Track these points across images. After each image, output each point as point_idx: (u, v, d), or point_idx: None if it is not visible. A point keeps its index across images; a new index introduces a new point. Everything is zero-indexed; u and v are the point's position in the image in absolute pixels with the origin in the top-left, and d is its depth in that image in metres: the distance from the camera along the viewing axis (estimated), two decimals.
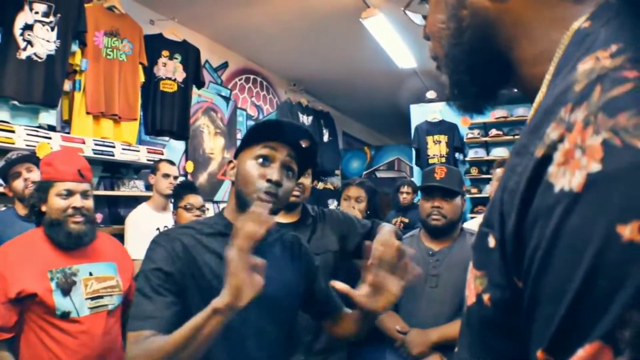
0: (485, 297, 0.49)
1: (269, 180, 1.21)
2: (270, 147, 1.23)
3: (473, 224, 2.95)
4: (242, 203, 1.23)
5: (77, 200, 1.89)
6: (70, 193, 1.89)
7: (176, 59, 4.40)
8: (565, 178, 0.38)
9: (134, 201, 3.76)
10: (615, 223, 0.35)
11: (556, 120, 0.41)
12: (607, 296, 0.35)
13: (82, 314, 1.85)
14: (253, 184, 1.21)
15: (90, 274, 1.93)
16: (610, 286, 0.35)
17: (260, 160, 1.22)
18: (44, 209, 1.90)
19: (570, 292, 0.37)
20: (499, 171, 2.79)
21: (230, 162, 1.31)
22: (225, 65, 5.74)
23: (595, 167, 0.37)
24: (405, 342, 2.04)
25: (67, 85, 3.47)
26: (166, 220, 3.39)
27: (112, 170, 3.92)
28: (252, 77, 6.25)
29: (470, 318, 0.53)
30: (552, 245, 0.39)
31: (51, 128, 3.31)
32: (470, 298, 0.52)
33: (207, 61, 5.31)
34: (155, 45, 4.29)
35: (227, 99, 5.72)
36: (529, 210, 0.42)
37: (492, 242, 0.47)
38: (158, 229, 3.30)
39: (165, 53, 4.35)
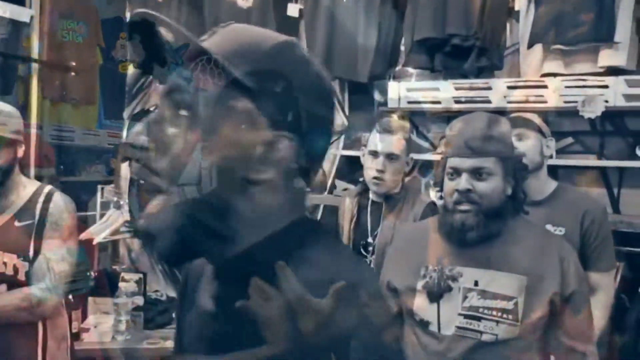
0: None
1: None
2: None
3: None
4: None
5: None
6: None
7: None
8: None
9: (96, 186, 3.71)
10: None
11: None
12: None
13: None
14: None
15: None
16: None
17: None
18: None
19: None
20: None
21: None
22: (186, 47, 5.65)
23: None
24: None
25: (21, 70, 3.38)
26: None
27: (73, 156, 3.86)
28: (214, 57, 6.18)
29: None
30: None
31: None
32: None
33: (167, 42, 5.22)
34: (113, 27, 4.20)
35: (188, 80, 5.65)
36: None
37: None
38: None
39: (123, 35, 4.27)
